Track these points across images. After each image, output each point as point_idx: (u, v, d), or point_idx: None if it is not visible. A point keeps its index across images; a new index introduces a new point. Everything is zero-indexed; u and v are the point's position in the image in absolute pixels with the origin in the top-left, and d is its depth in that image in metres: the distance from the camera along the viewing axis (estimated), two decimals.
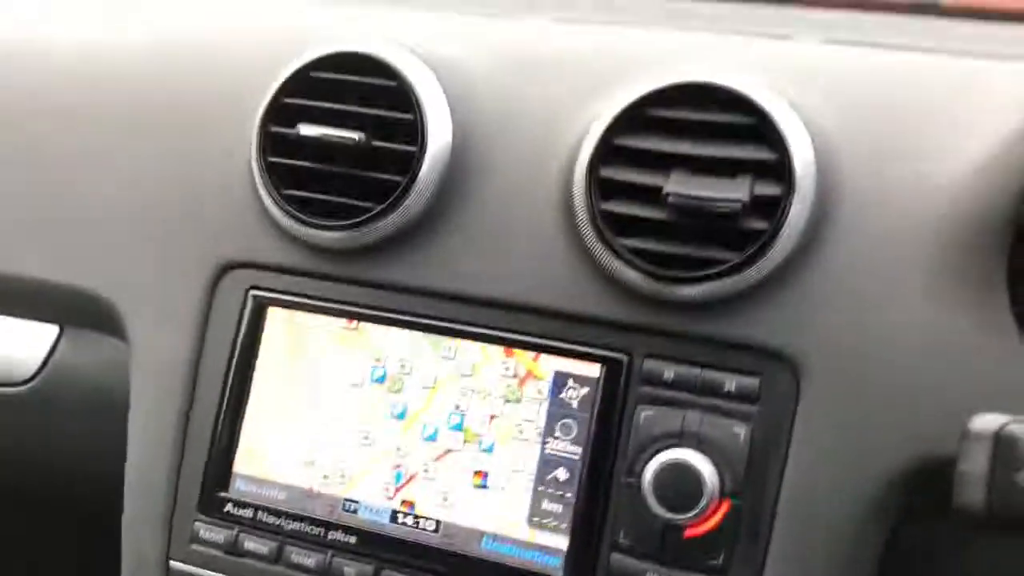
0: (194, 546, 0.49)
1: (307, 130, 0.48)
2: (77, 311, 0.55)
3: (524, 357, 0.46)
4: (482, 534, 0.45)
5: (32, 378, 0.58)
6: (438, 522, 0.46)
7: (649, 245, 0.43)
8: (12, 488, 0.68)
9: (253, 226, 0.51)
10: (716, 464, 0.41)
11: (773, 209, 0.42)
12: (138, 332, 0.52)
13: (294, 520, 0.48)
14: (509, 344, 0.46)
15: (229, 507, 0.49)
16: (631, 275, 0.43)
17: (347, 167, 0.48)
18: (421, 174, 0.47)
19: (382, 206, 0.47)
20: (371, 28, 0.52)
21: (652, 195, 0.43)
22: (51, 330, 0.59)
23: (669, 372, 0.43)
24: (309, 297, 0.49)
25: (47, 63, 0.57)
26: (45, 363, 0.58)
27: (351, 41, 0.49)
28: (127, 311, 0.53)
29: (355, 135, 0.47)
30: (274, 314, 0.50)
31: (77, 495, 0.59)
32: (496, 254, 0.47)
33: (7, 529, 0.76)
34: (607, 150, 0.44)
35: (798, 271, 0.43)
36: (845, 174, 0.43)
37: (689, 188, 0.42)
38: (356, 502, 0.47)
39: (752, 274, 0.42)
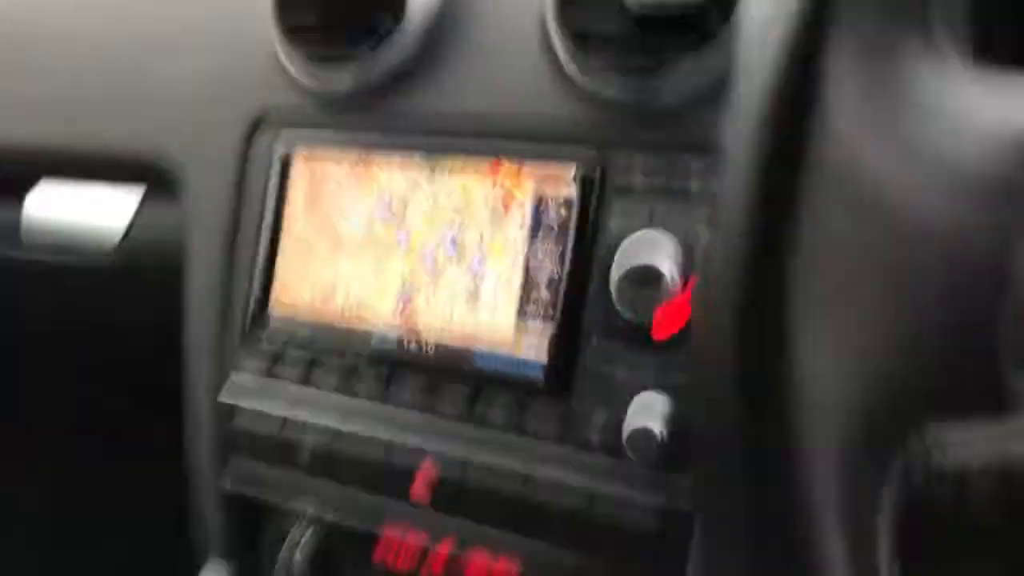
0: (237, 379, 0.55)
1: None
2: (146, 174, 0.62)
3: (507, 177, 0.48)
4: (473, 352, 0.49)
5: (116, 247, 0.66)
6: (437, 344, 0.49)
7: (613, 59, 0.44)
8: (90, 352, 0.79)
9: (275, 86, 0.55)
10: (681, 265, 0.43)
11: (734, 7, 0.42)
12: (190, 190, 0.59)
13: (318, 351, 0.53)
14: (495, 157, 0.48)
15: (264, 338, 0.54)
16: (600, 87, 0.45)
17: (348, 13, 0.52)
18: (409, 14, 0.50)
19: (376, 46, 0.51)
20: None
21: (614, 6, 0.44)
22: (131, 202, 0.66)
23: (638, 180, 0.45)
24: (323, 145, 0.53)
25: None
26: (127, 233, 0.66)
27: None
28: (182, 171, 0.59)
29: None
30: (297, 164, 0.54)
31: (149, 359, 0.66)
32: (482, 82, 0.49)
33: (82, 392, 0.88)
34: None
35: None
36: None
37: None
38: (370, 332, 0.51)
39: (713, 67, 0.43)
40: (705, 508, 0.37)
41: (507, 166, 0.48)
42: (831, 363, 0.23)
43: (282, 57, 0.54)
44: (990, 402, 0.20)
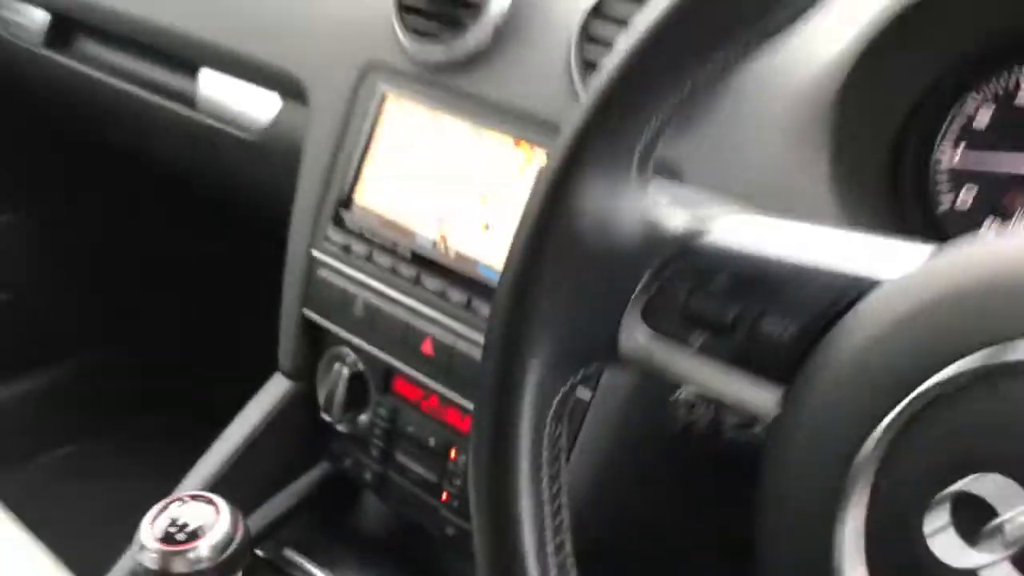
0: (325, 243, 0.78)
1: None
2: (285, 83, 0.84)
3: (525, 151, 0.68)
4: (478, 265, 0.70)
5: (261, 129, 0.89)
6: (456, 252, 0.71)
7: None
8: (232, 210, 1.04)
9: (386, 45, 0.76)
10: None
11: None
12: (315, 105, 0.81)
13: (380, 239, 0.75)
14: (518, 137, 0.68)
15: (347, 222, 0.77)
16: None
17: (443, 5, 0.72)
18: (487, 5, 0.70)
19: (457, 31, 0.71)
20: None
21: None
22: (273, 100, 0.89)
23: None
24: (410, 97, 0.74)
25: None
26: (271, 121, 0.89)
27: None
28: (311, 91, 0.81)
29: None
30: (389, 104, 0.75)
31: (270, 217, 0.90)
32: (524, 79, 0.69)
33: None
34: None
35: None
36: None
37: None
38: (414, 236, 0.73)
39: None
40: None
41: (524, 144, 0.68)
42: None
43: (394, 24, 0.75)
44: None
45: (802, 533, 0.32)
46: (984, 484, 0.29)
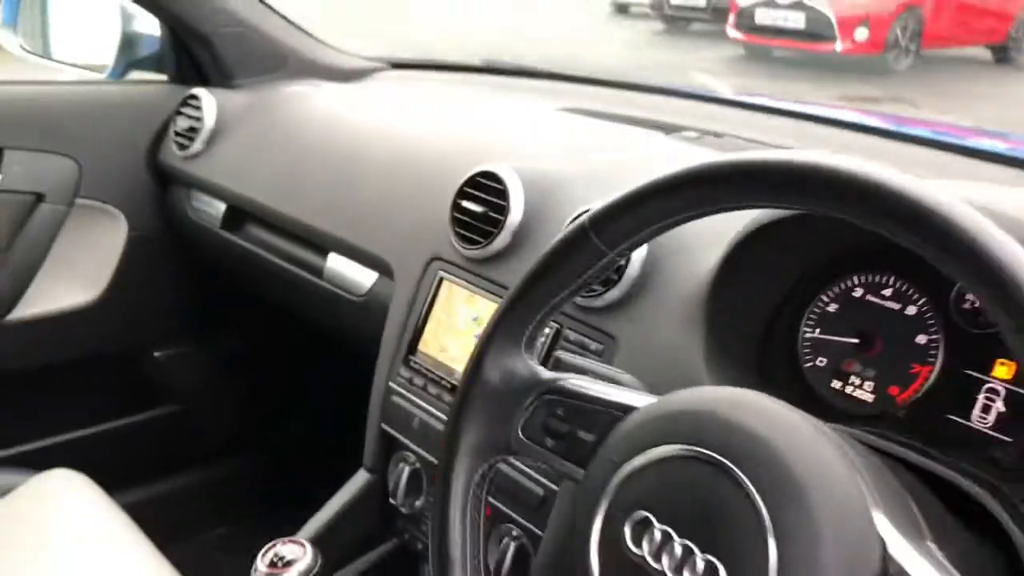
0: (398, 377, 1.12)
1: (470, 205, 1.08)
2: (380, 265, 1.21)
3: None
4: None
5: (364, 295, 1.26)
6: None
7: None
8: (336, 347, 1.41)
9: (445, 245, 1.11)
10: None
11: None
12: (397, 281, 1.17)
13: (433, 375, 1.08)
14: None
15: (412, 363, 1.11)
16: None
17: (480, 221, 1.07)
18: (505, 225, 1.04)
19: (488, 240, 1.05)
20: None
21: None
22: (372, 274, 1.26)
23: None
24: (457, 280, 1.09)
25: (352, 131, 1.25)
26: (370, 289, 1.25)
27: (487, 164, 1.07)
28: (396, 271, 1.17)
29: (482, 208, 1.06)
30: (444, 285, 1.10)
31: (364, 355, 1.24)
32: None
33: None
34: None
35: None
36: None
37: None
38: (454, 370, 1.06)
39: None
40: None
41: None
42: None
43: (450, 232, 1.10)
44: None
45: (572, 543, 0.62)
46: (649, 517, 0.58)
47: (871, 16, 9.30)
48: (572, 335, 0.96)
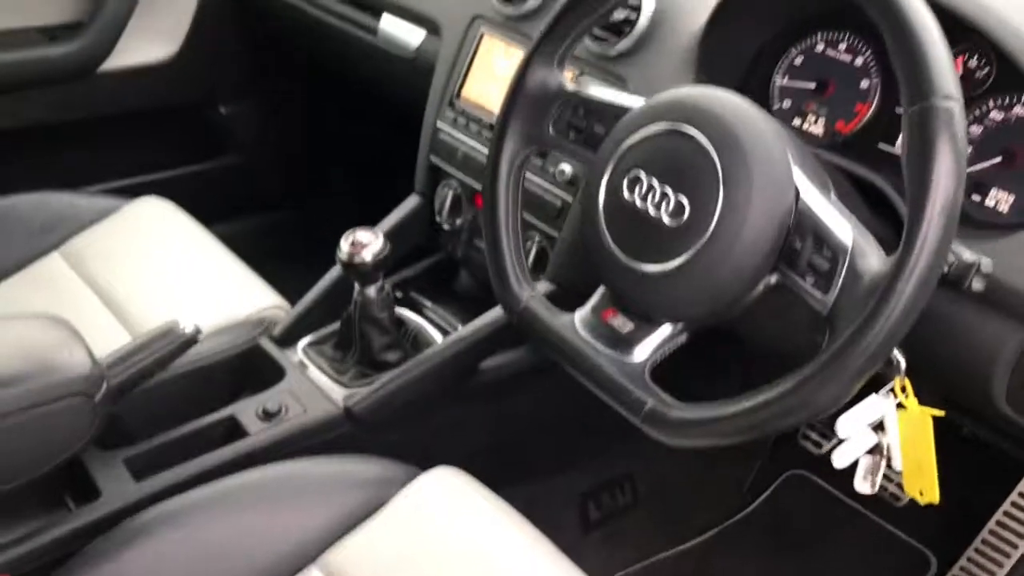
0: (444, 117, 1.36)
1: None
2: (428, 24, 1.42)
3: None
4: None
5: (413, 51, 1.48)
6: None
7: None
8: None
9: (486, 3, 1.32)
10: None
11: None
12: (444, 38, 1.38)
13: (474, 115, 1.32)
14: None
15: (456, 105, 1.34)
16: None
17: None
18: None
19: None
20: None
21: None
22: (421, 33, 1.47)
23: None
24: (500, 36, 1.30)
25: None
26: (419, 47, 1.47)
27: None
28: (443, 29, 1.39)
29: None
30: (486, 40, 1.32)
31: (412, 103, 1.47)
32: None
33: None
34: None
35: None
36: None
37: None
38: (492, 111, 1.30)
39: None
40: None
41: None
42: None
43: None
44: None
45: (584, 197, 0.88)
46: (640, 173, 0.83)
47: None
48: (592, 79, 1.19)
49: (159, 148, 1.89)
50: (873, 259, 0.72)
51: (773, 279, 0.79)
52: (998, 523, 1.43)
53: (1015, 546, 1.41)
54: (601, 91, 0.93)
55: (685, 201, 0.79)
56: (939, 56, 0.68)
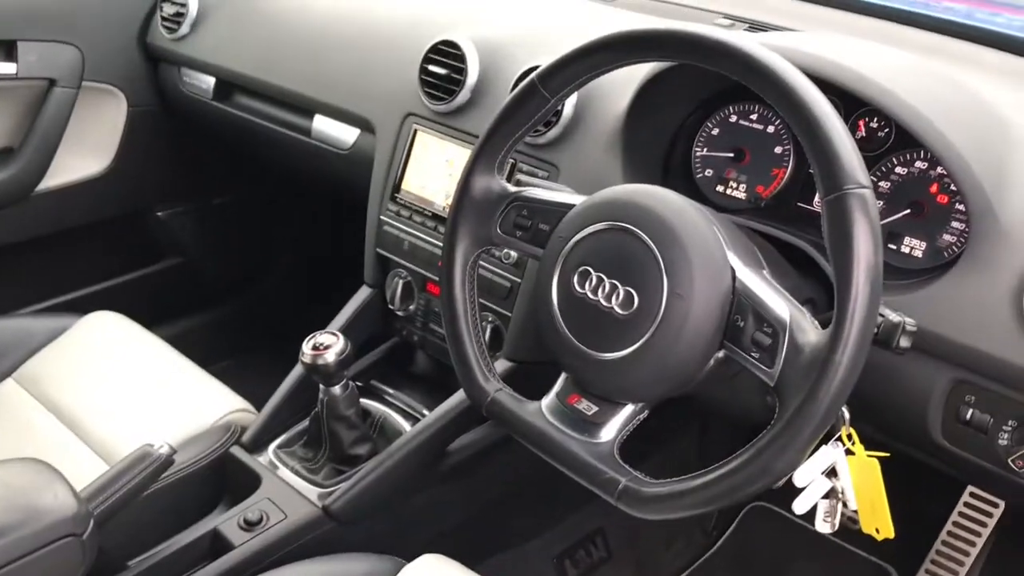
0: (387, 211, 1.41)
1: (435, 68, 1.35)
2: (361, 123, 1.48)
3: None
4: None
5: (348, 148, 1.53)
6: None
7: None
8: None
9: (416, 102, 1.39)
10: None
11: None
12: (379, 136, 1.44)
13: (416, 207, 1.38)
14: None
15: (397, 199, 1.40)
16: None
17: (443, 82, 1.34)
18: (465, 84, 1.31)
19: (451, 96, 1.33)
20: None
21: None
22: (354, 131, 1.53)
23: None
24: (429, 132, 1.37)
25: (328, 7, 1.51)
26: (354, 143, 1.53)
27: (448, 33, 1.34)
28: (377, 127, 1.45)
29: (444, 71, 1.33)
30: (420, 136, 1.38)
31: (351, 199, 1.52)
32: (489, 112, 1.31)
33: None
34: None
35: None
36: None
37: None
38: (433, 202, 1.36)
39: None
40: None
41: None
42: None
43: (420, 92, 1.37)
44: None
45: (537, 291, 0.94)
46: (589, 268, 0.90)
47: None
48: (526, 167, 1.26)
49: (100, 259, 1.90)
50: (811, 333, 0.79)
51: (721, 354, 0.85)
52: (949, 533, 1.52)
53: (967, 553, 1.50)
54: (541, 192, 1.00)
55: (633, 292, 0.86)
56: (846, 148, 0.76)
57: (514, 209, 1.00)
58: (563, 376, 0.95)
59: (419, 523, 1.31)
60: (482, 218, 1.01)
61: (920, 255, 1.03)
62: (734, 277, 0.85)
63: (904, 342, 0.82)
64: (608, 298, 0.87)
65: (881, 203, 1.05)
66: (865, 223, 0.74)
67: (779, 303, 0.82)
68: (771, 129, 1.16)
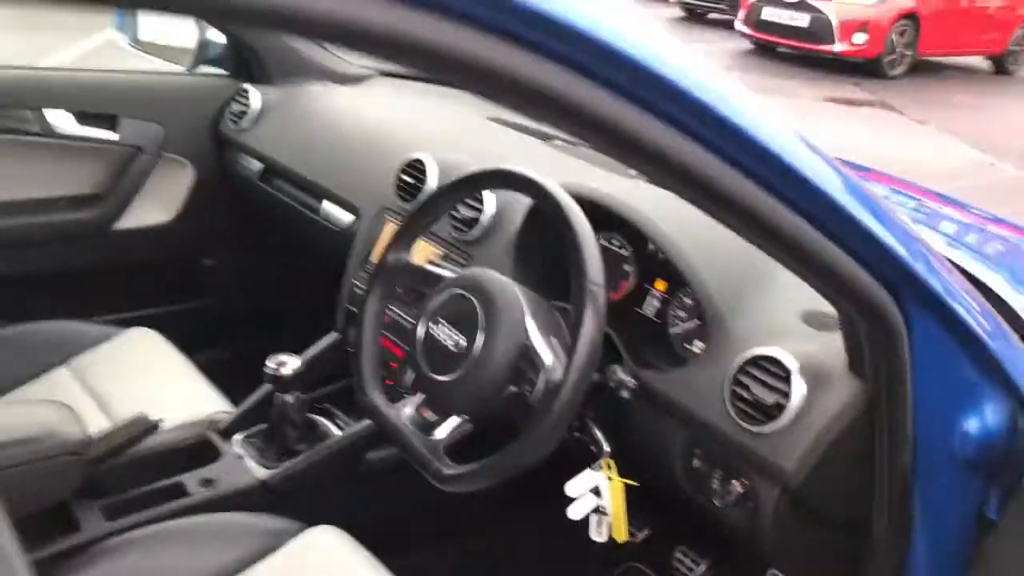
0: (359, 275, 1.87)
1: (406, 177, 1.82)
2: (353, 209, 1.96)
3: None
4: None
5: (343, 227, 2.00)
6: None
7: None
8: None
9: (391, 199, 1.85)
10: None
11: None
12: (362, 219, 1.91)
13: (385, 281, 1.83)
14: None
15: (367, 267, 1.85)
16: None
17: (411, 187, 1.81)
18: (424, 190, 1.78)
19: (415, 198, 1.80)
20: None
21: None
22: (350, 216, 2.00)
23: None
24: (397, 220, 1.83)
25: (347, 121, 2.00)
26: (348, 224, 2.00)
27: (419, 153, 1.81)
28: (362, 214, 1.91)
29: (412, 180, 1.81)
30: (388, 224, 1.84)
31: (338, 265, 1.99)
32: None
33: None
34: None
35: None
36: None
37: None
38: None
39: None
40: None
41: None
42: None
43: (394, 191, 1.84)
44: None
45: (414, 336, 1.37)
46: (441, 319, 1.33)
47: (870, 21, 9.86)
48: (453, 255, 1.71)
49: (151, 289, 2.40)
50: (558, 373, 1.20)
51: (513, 388, 1.26)
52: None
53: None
54: (430, 266, 1.44)
55: (462, 338, 1.28)
56: (592, 253, 1.19)
57: (412, 276, 1.45)
58: (419, 393, 1.37)
59: (337, 513, 1.71)
60: (391, 282, 1.45)
61: (700, 352, 1.43)
62: (527, 336, 1.27)
63: (625, 393, 1.23)
64: (448, 339, 1.30)
65: (692, 318, 1.46)
66: (593, 310, 1.16)
67: (548, 354, 1.23)
68: (624, 251, 1.58)
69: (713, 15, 12.61)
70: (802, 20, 9.98)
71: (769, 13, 10.23)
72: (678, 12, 13.00)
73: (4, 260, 2.17)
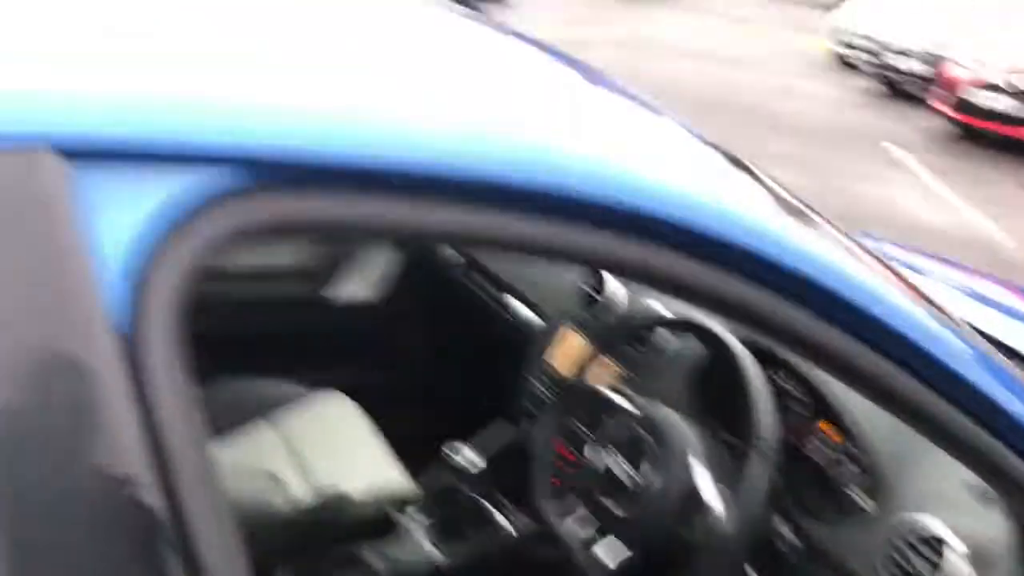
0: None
1: None
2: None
3: None
4: None
5: (529, 323, 2.14)
6: None
7: None
8: None
9: (573, 306, 1.98)
10: None
11: None
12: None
13: None
14: None
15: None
16: None
17: None
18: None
19: None
20: None
21: None
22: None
23: None
24: None
25: None
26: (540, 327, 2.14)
27: None
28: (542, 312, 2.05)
29: None
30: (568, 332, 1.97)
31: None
32: None
33: None
34: None
35: None
36: None
37: None
38: None
39: None
40: None
41: None
42: None
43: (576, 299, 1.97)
44: None
45: None
46: None
47: None
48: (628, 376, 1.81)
49: (344, 356, 2.63)
50: (724, 521, 1.28)
51: (677, 528, 1.35)
52: None
53: None
54: (609, 391, 1.56)
55: (637, 475, 1.39)
56: (765, 408, 1.27)
57: (591, 398, 1.57)
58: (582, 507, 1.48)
59: None
60: (571, 398, 1.57)
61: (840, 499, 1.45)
62: (696, 479, 1.35)
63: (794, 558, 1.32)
64: (621, 471, 1.40)
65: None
66: (760, 464, 1.24)
67: (716, 502, 1.32)
68: (789, 386, 1.63)
69: (908, 87, 12.19)
70: (1017, 109, 9.43)
71: (979, 97, 9.69)
72: (878, 86, 12.66)
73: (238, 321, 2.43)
